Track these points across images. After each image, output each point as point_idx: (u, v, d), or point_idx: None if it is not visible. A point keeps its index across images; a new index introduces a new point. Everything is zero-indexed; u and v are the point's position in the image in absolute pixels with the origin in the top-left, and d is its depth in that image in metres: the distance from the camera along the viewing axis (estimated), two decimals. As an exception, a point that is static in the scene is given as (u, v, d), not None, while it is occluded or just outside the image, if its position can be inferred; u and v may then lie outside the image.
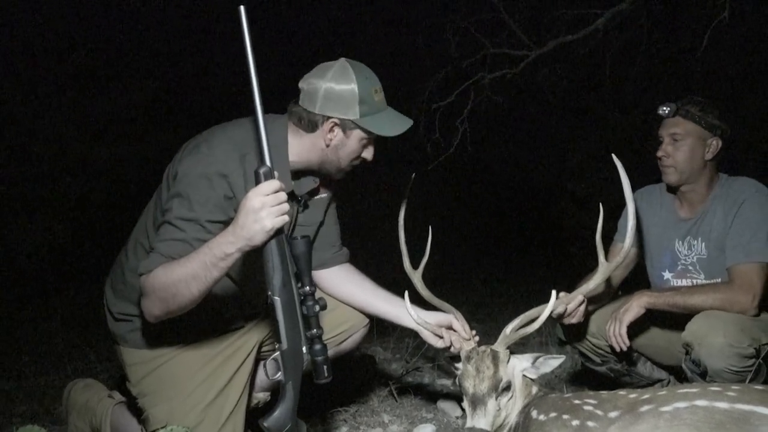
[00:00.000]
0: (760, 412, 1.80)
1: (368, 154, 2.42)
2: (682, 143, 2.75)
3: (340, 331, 2.78)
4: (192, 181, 2.19)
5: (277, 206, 1.91)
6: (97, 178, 6.54)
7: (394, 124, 2.33)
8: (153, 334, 2.46)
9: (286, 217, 1.94)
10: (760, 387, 1.97)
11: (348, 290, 2.78)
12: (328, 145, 2.34)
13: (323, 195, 2.64)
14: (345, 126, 2.30)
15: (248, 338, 2.61)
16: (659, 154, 2.79)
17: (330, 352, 2.71)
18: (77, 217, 6.41)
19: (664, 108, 2.77)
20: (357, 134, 2.32)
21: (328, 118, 2.28)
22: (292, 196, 2.46)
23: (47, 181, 6.26)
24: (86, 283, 5.80)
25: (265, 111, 2.01)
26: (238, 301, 2.53)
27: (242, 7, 1.90)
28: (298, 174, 2.45)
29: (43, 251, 6.00)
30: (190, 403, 2.41)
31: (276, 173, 1.97)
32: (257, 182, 1.93)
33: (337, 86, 2.25)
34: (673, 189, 2.87)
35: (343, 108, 2.26)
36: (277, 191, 1.92)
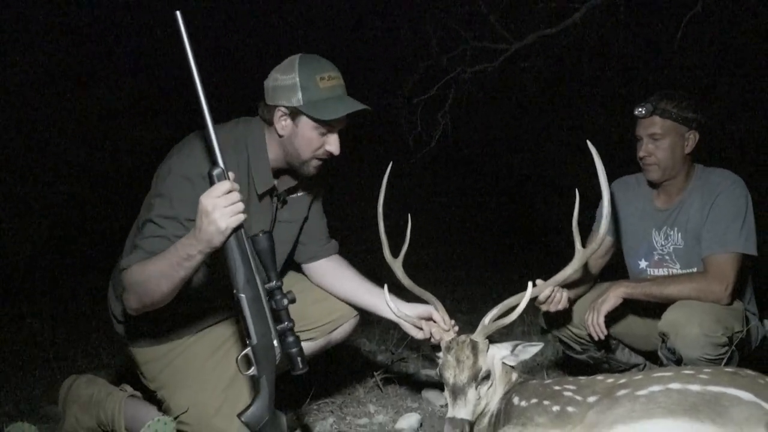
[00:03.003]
0: (731, 393, 1.87)
1: (331, 146, 2.43)
2: (662, 141, 2.79)
3: (329, 321, 2.84)
4: (173, 181, 2.28)
5: (230, 206, 1.94)
6: (81, 177, 6.50)
7: (337, 109, 2.34)
8: (155, 331, 2.54)
9: (242, 216, 1.97)
10: (730, 369, 2.04)
11: (333, 282, 2.85)
12: (281, 136, 2.42)
13: (306, 192, 2.72)
14: (292, 114, 2.37)
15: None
16: (641, 154, 2.83)
17: (320, 342, 2.80)
18: (62, 217, 6.37)
19: (641, 109, 2.80)
20: (305, 121, 2.37)
21: (276, 107, 2.38)
22: (272, 193, 2.55)
23: (31, 181, 6.21)
24: (71, 283, 5.78)
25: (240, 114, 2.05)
26: (228, 289, 2.58)
27: (178, 12, 1.91)
28: (279, 173, 2.54)
29: (27, 251, 5.96)
30: (209, 388, 2.51)
31: (231, 174, 2.00)
32: (211, 184, 1.97)
33: (281, 77, 2.35)
34: (654, 183, 2.93)
35: (287, 96, 2.34)
36: (228, 192, 1.94)
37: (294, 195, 2.68)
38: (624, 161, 3.00)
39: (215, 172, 1.97)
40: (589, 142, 2.35)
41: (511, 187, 8.48)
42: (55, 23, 6.71)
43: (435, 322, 2.59)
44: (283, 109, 2.37)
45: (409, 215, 2.69)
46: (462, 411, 2.16)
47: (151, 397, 2.67)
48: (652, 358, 3.06)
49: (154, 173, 2.46)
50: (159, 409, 2.59)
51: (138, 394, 2.72)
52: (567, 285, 2.64)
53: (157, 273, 2.09)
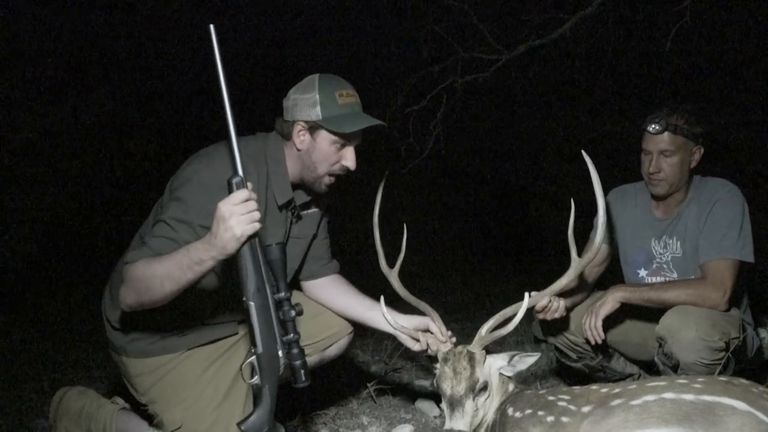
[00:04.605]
0: (725, 402, 1.87)
1: (347, 161, 2.48)
2: (673, 158, 2.81)
3: (324, 337, 2.85)
4: (192, 187, 2.31)
5: (246, 214, 1.96)
6: (73, 188, 6.48)
7: (355, 123, 2.41)
8: (152, 342, 2.53)
9: (257, 224, 1.99)
10: (724, 378, 2.04)
11: (330, 297, 2.87)
12: (300, 150, 2.47)
13: (316, 209, 2.75)
14: (311, 128, 2.43)
15: (241, 343, 2.68)
16: (652, 170, 2.83)
17: (315, 358, 2.80)
18: (49, 228, 6.34)
19: (654, 125, 2.80)
20: (324, 135, 2.43)
21: (295, 122, 2.44)
22: (288, 206, 2.58)
23: (18, 193, 6.18)
24: (62, 294, 5.73)
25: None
26: (230, 308, 2.59)
27: (212, 26, 1.94)
28: (294, 187, 2.57)
29: (18, 262, 5.92)
30: (202, 404, 2.50)
31: (250, 184, 2.02)
32: (229, 191, 1.99)
33: (302, 95, 2.42)
34: (657, 196, 2.93)
35: (306, 111, 2.41)
36: (246, 200, 1.97)
37: (306, 211, 2.71)
38: (618, 169, 3.01)
39: (234, 180, 1.99)
40: (584, 152, 2.36)
41: (505, 196, 8.49)
42: (47, 31, 6.70)
43: (432, 333, 2.59)
44: (302, 123, 2.44)
45: (405, 226, 2.70)
46: (459, 423, 2.16)
47: (142, 410, 2.64)
48: (647, 367, 3.07)
49: (147, 183, 2.47)
50: (150, 423, 2.57)
51: (129, 407, 2.69)
52: (564, 294, 2.64)
53: (163, 273, 2.09)
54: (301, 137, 2.46)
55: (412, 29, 5.73)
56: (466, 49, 5.51)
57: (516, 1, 5.62)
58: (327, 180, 2.51)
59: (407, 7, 5.85)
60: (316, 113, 2.39)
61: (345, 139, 2.43)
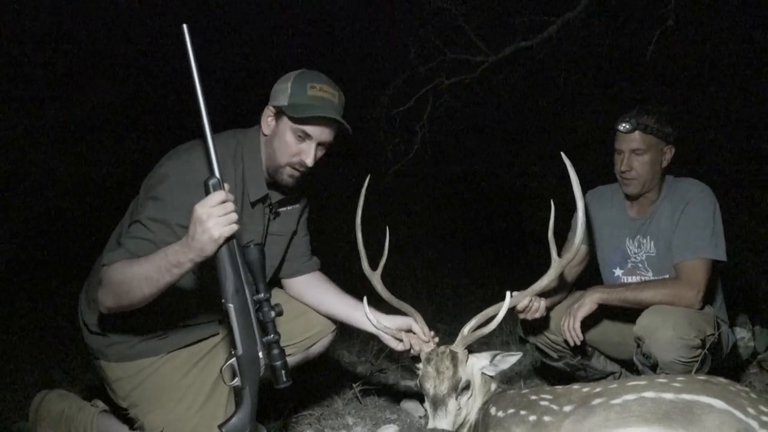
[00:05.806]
0: (703, 401, 1.90)
1: (305, 155, 2.43)
2: (644, 156, 2.85)
3: (307, 336, 2.85)
4: (169, 185, 2.28)
5: (224, 216, 1.96)
6: (58, 189, 6.42)
7: (315, 112, 2.37)
8: (132, 346, 2.50)
9: (235, 226, 1.99)
10: (702, 377, 2.07)
11: (314, 296, 2.86)
12: (266, 135, 2.48)
13: (296, 205, 2.74)
14: (276, 113, 2.45)
15: (222, 345, 2.66)
16: (623, 168, 2.87)
17: (298, 357, 2.79)
18: (37, 229, 6.29)
19: (624, 124, 2.85)
20: (285, 122, 2.42)
21: (267, 107, 2.47)
22: (263, 202, 2.57)
23: (6, 193, 6.12)
24: (45, 295, 5.68)
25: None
26: (210, 308, 2.57)
27: (185, 26, 1.96)
28: (272, 185, 2.55)
29: (1, 263, 5.87)
30: (184, 408, 2.48)
31: (227, 185, 2.02)
32: (206, 193, 1.98)
33: (279, 84, 2.46)
34: (630, 196, 2.97)
35: (277, 98, 2.43)
36: (223, 202, 1.97)
37: (284, 208, 2.70)
38: (600, 171, 3.03)
39: (211, 181, 1.99)
40: (563, 154, 2.38)
41: (489, 198, 8.52)
42: (38, 32, 6.64)
43: (414, 333, 2.60)
44: (271, 108, 2.46)
45: (387, 227, 2.70)
46: (443, 422, 2.17)
47: (122, 413, 2.61)
48: (627, 365, 3.10)
49: (135, 185, 2.45)
50: (131, 427, 2.55)
51: (109, 409, 2.67)
52: (544, 293, 2.66)
53: (141, 275, 2.08)
54: (268, 121, 2.48)
55: (399, 30, 5.74)
56: (453, 51, 5.53)
57: (502, 3, 5.65)
58: (288, 171, 2.47)
59: (394, 9, 5.87)
60: (284, 99, 2.41)
61: (305, 130, 2.40)
